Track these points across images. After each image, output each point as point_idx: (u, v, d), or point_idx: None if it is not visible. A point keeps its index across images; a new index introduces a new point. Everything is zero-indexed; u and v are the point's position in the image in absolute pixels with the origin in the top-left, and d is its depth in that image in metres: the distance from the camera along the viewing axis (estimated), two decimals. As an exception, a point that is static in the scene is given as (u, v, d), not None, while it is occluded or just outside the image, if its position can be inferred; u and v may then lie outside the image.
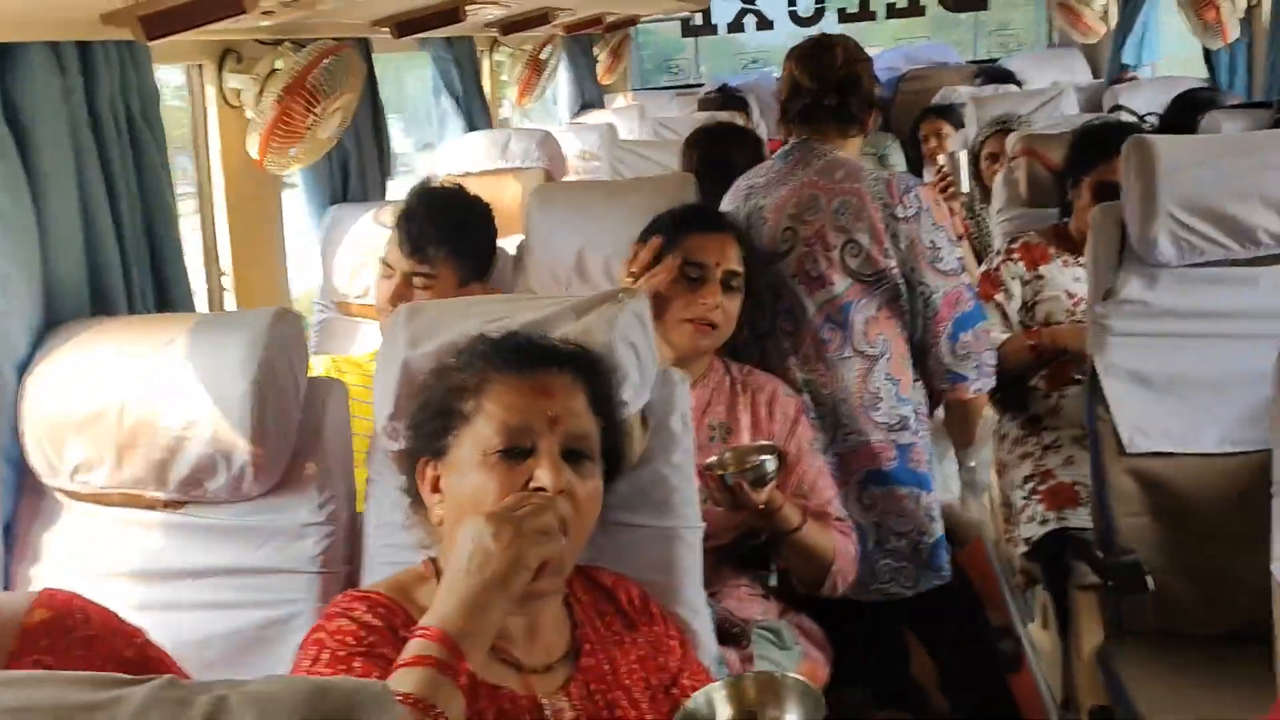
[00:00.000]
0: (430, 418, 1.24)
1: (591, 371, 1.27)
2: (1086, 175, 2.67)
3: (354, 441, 1.67)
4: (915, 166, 4.63)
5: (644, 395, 1.44)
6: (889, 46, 6.41)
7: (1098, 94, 4.55)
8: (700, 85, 6.63)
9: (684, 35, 6.80)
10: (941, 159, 3.43)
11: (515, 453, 1.17)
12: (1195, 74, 4.27)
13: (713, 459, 1.75)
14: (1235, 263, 2.12)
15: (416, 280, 2.04)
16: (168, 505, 1.57)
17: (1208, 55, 4.02)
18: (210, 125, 2.39)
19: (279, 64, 2.30)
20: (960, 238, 3.26)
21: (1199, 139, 2.23)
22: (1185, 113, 3.47)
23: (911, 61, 6.18)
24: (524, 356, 1.24)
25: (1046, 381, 2.65)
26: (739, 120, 4.11)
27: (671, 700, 1.25)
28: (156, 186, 1.86)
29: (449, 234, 2.05)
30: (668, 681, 1.27)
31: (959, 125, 4.33)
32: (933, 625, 2.28)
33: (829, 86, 2.23)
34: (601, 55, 6.04)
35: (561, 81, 5.64)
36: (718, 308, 1.96)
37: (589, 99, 5.79)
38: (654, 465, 1.46)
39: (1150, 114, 3.92)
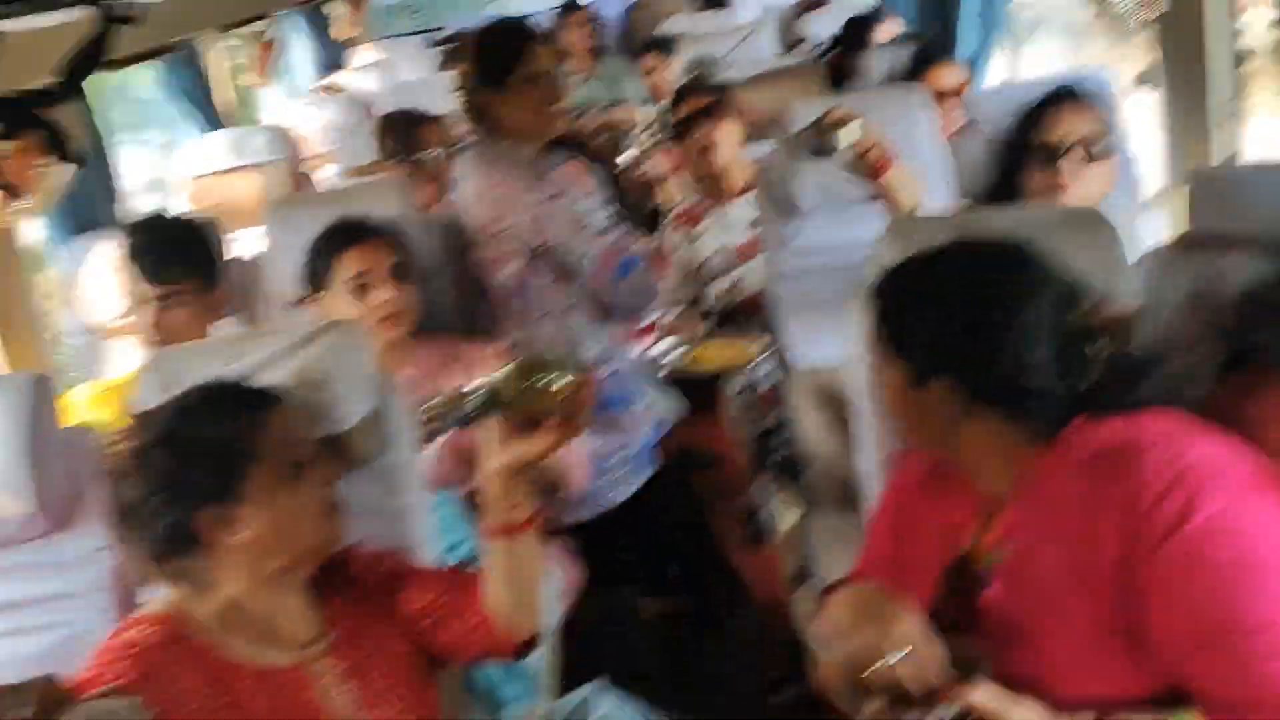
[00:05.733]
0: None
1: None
2: None
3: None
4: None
5: (363, 407, 1.74)
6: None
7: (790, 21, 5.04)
8: (442, 29, 6.70)
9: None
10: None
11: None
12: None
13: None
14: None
15: (170, 301, 2.31)
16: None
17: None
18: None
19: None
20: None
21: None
22: (854, 32, 4.08)
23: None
24: None
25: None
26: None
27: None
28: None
29: (179, 254, 2.35)
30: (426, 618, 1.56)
31: (673, 53, 4.76)
32: (661, 514, 2.63)
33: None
34: (336, 7, 6.01)
35: (296, 51, 5.64)
36: (390, 300, 2.25)
37: (327, 60, 5.78)
38: (382, 460, 1.78)
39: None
